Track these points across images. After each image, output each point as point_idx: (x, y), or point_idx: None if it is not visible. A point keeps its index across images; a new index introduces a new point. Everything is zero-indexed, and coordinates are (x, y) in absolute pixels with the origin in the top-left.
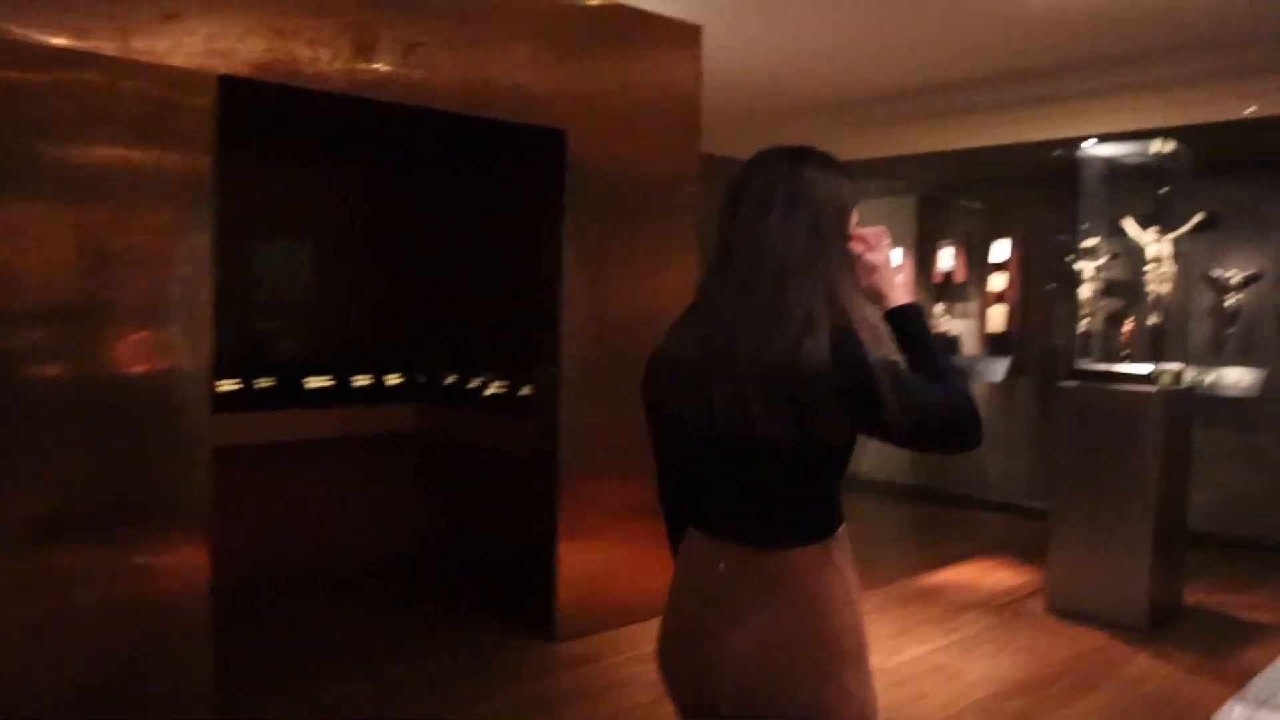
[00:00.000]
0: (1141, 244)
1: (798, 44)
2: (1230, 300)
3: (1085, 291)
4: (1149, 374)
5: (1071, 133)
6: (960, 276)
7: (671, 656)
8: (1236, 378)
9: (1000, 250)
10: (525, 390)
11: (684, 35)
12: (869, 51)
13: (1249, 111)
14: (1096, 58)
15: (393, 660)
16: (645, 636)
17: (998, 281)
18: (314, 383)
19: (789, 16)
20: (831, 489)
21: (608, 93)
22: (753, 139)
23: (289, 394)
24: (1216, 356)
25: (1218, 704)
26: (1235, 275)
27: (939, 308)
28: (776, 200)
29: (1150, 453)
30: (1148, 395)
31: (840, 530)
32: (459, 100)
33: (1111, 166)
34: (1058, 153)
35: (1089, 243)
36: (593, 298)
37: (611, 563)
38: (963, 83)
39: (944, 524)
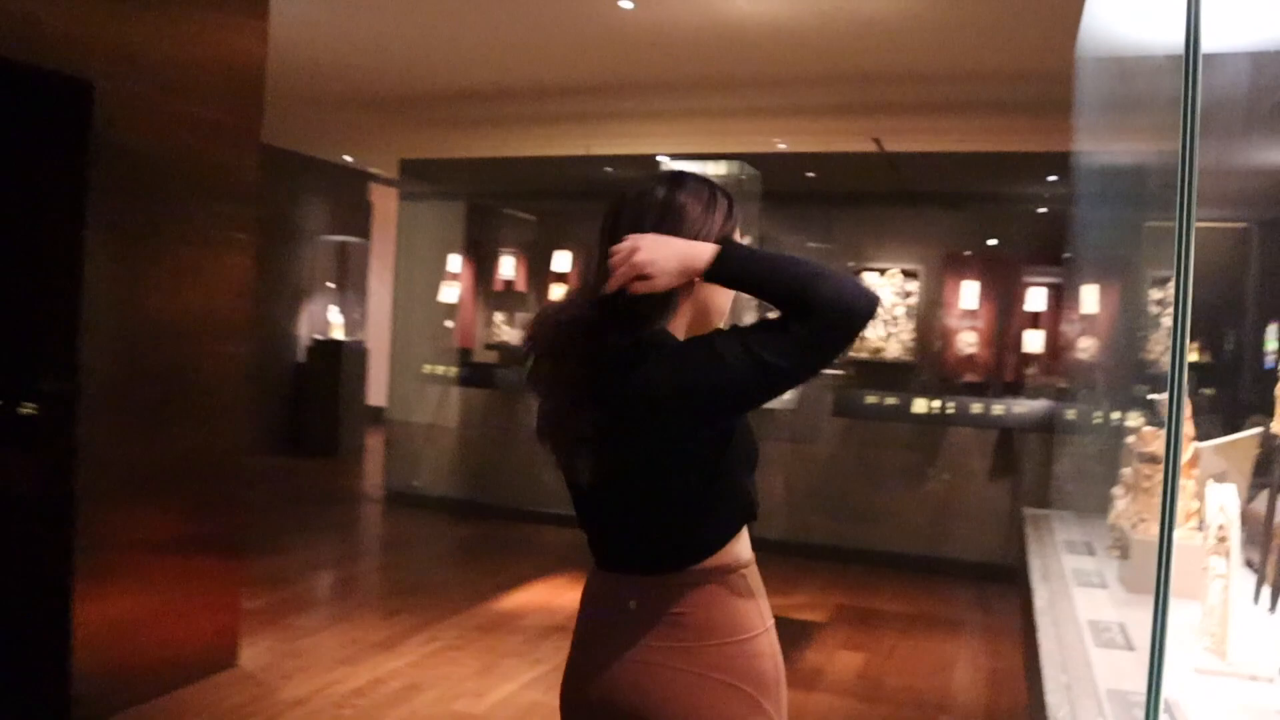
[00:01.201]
0: None
1: (372, 31)
2: None
3: None
4: None
5: (630, 150)
6: (521, 285)
7: (566, 693)
8: None
9: (562, 261)
10: (28, 409)
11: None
12: (447, 48)
13: (781, 146)
14: (667, 80)
15: None
16: (198, 704)
17: (558, 293)
18: None
19: (362, 2)
20: (712, 507)
21: (154, 48)
22: (312, 131)
23: None
24: None
25: (796, 707)
26: None
27: (499, 317)
28: (646, 224)
29: None
30: None
31: (732, 550)
32: None
33: None
34: (609, 169)
35: None
36: (124, 296)
37: (149, 613)
38: (537, 90)
39: (505, 541)
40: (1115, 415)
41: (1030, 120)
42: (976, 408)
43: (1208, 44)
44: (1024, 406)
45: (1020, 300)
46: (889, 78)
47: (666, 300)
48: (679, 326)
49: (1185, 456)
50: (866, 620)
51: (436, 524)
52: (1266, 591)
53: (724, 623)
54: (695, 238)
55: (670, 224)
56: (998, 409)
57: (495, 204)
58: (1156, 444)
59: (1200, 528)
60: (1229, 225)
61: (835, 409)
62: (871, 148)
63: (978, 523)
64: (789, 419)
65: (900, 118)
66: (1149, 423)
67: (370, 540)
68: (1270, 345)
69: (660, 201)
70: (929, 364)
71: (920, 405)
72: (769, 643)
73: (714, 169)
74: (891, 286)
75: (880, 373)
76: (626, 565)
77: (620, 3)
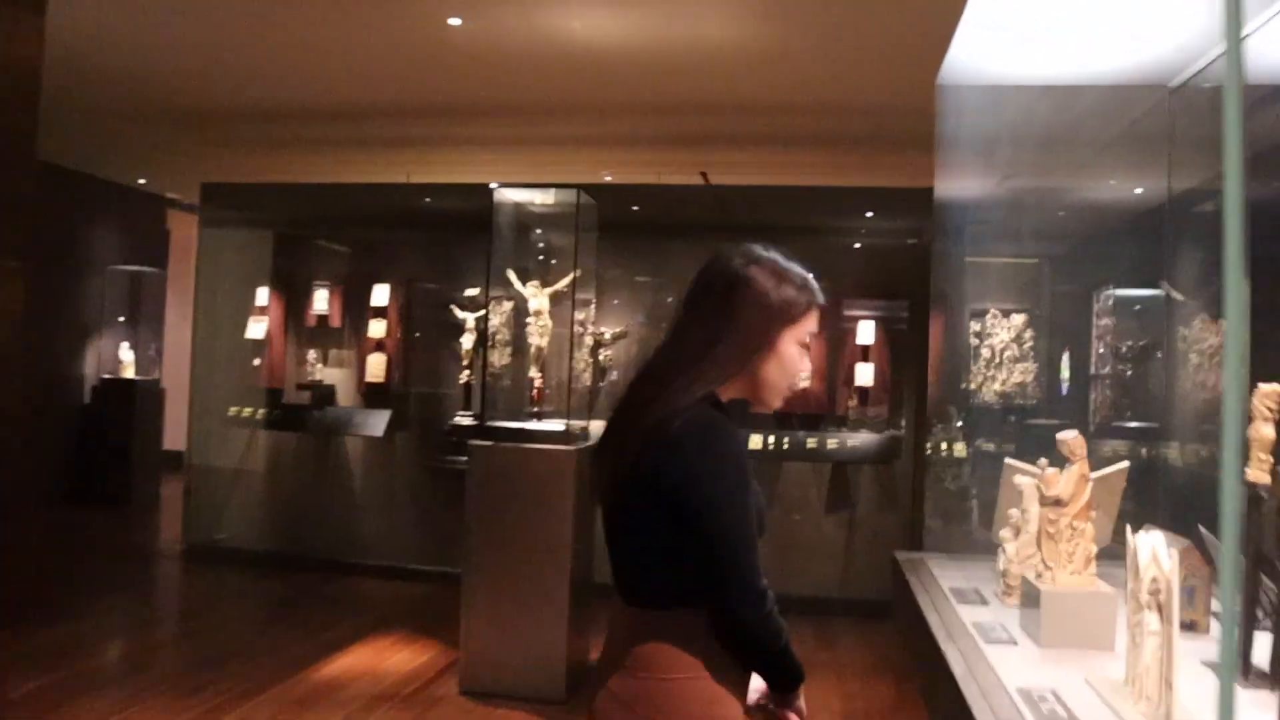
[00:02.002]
0: (524, 296)
1: (171, 38)
2: (603, 355)
3: (466, 342)
4: (565, 431)
5: (453, 178)
6: (336, 321)
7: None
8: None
9: (380, 295)
10: None
11: None
12: (256, 62)
13: (607, 178)
14: (495, 104)
15: None
16: None
17: (377, 328)
18: None
19: (159, 3)
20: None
21: None
22: (102, 149)
23: None
24: (590, 410)
25: None
26: (606, 332)
27: (312, 354)
28: (715, 292)
29: (568, 512)
30: (567, 454)
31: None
32: None
33: (507, 215)
34: (428, 199)
35: (471, 292)
36: None
37: None
38: (355, 112)
39: (322, 598)
40: (957, 447)
41: (860, 155)
42: (811, 442)
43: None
44: (858, 440)
45: (851, 334)
46: (718, 109)
47: (723, 373)
48: (727, 388)
49: (1084, 497)
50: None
51: (244, 582)
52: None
53: (672, 659)
54: (762, 311)
55: (736, 300)
56: (832, 443)
57: (308, 233)
58: (1061, 486)
59: (1087, 567)
60: (1023, 260)
61: None
62: (699, 180)
63: (818, 558)
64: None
65: (729, 150)
66: (1051, 463)
67: (168, 603)
68: (1064, 373)
69: (732, 272)
70: None
71: (755, 441)
72: (710, 688)
73: (546, 198)
74: None
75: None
76: (621, 592)
77: (448, 19)
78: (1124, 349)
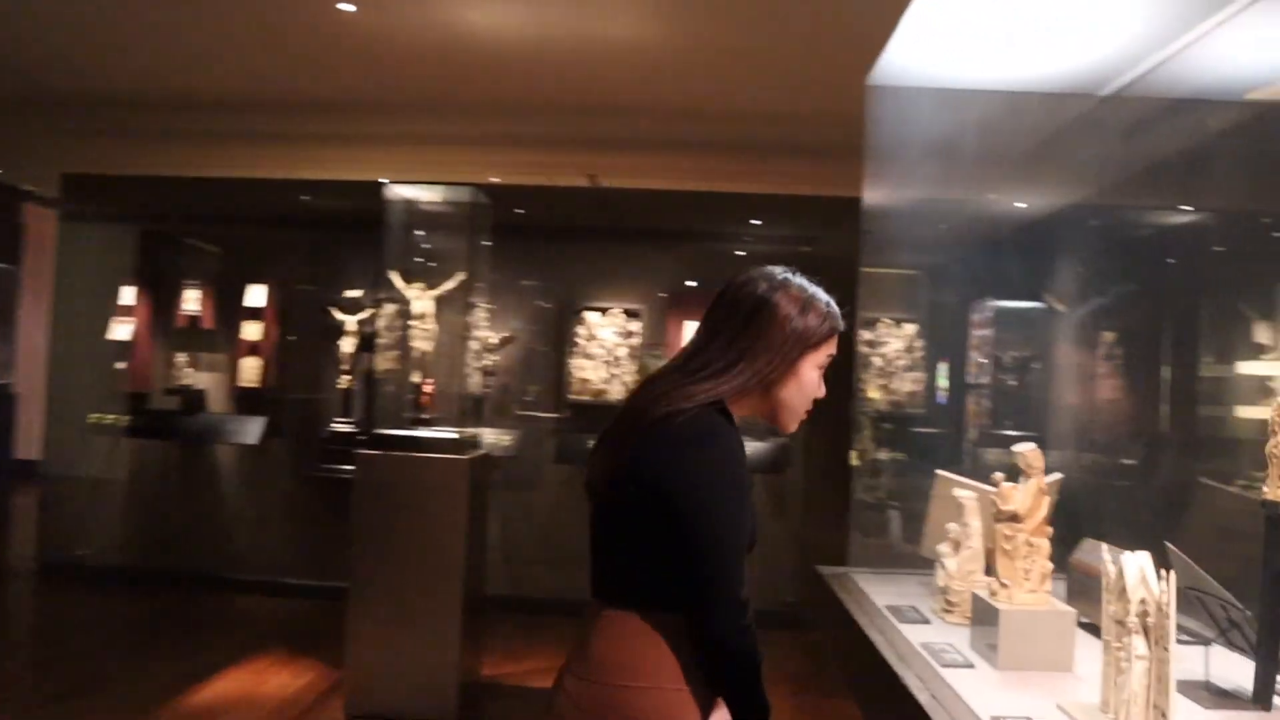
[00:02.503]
0: (407, 299)
1: (27, 15)
2: (488, 361)
3: (347, 346)
4: (457, 439)
5: (337, 175)
6: (207, 322)
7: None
8: (495, 437)
9: (256, 296)
10: None
11: None
12: (125, 45)
13: (494, 179)
14: (384, 98)
15: None
16: None
17: (252, 331)
18: None
19: None
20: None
21: None
22: None
23: None
24: (477, 417)
25: None
26: (493, 337)
27: (182, 358)
28: (739, 314)
29: (460, 522)
30: (459, 463)
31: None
32: None
33: (398, 213)
34: (305, 197)
35: (353, 294)
36: None
37: None
38: (234, 102)
39: (191, 618)
40: (876, 457)
41: (756, 161)
42: None
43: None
44: (747, 449)
45: None
46: (614, 111)
47: (742, 390)
48: (741, 405)
49: (1041, 512)
50: None
51: (107, 601)
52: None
53: (632, 663)
54: (786, 337)
55: (761, 323)
56: None
57: (178, 230)
58: (1018, 501)
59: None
60: (902, 272)
61: (558, 455)
62: (585, 183)
63: None
64: (508, 465)
65: (621, 153)
66: (1007, 477)
67: (20, 627)
68: (941, 383)
69: (757, 297)
70: None
71: None
72: (673, 699)
73: (437, 196)
74: (613, 326)
75: (603, 415)
76: (595, 590)
77: (339, 4)
78: (1006, 359)
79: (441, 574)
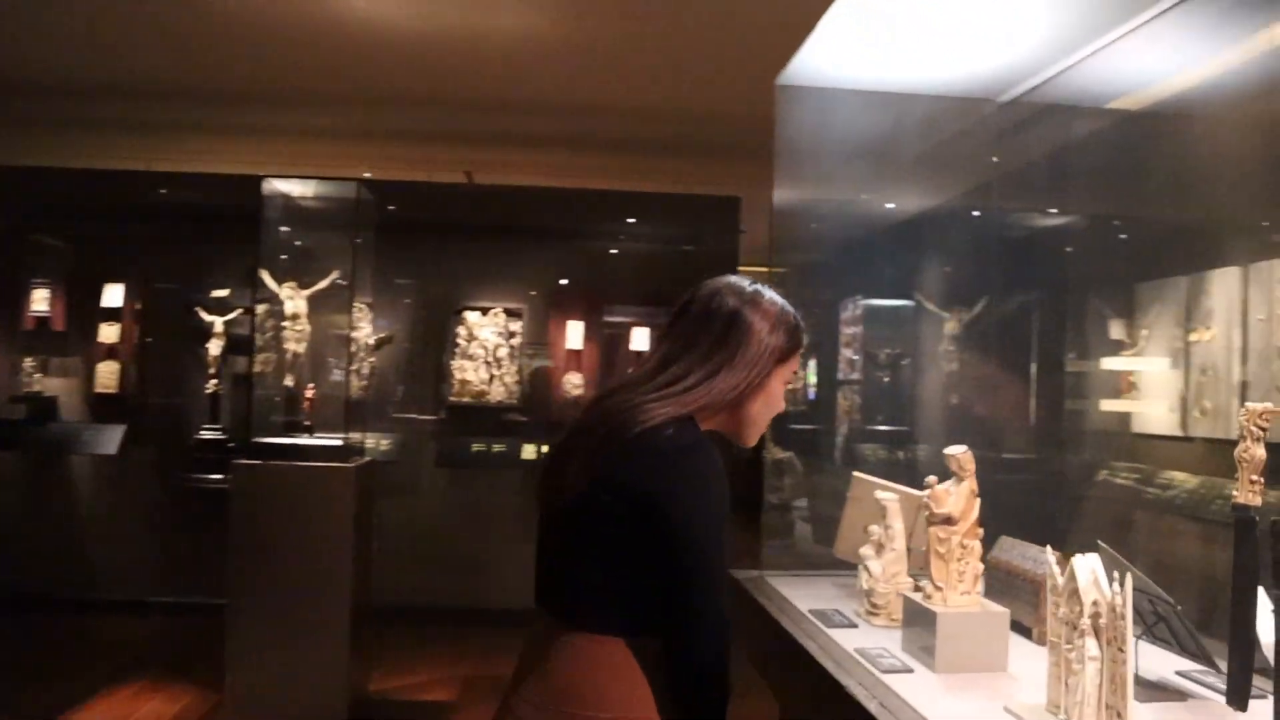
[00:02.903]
0: (281, 299)
1: None
2: (366, 362)
3: (214, 349)
4: (342, 446)
5: (203, 168)
6: (59, 324)
7: None
8: (372, 442)
9: (113, 295)
10: None
11: None
12: None
13: (366, 174)
14: (255, 86)
15: None
16: None
17: (109, 333)
18: None
19: None
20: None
21: None
22: None
23: None
24: (359, 422)
25: None
26: (370, 337)
27: (29, 362)
28: (713, 328)
29: (347, 533)
30: (345, 471)
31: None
32: None
33: (275, 209)
34: (163, 190)
35: (219, 293)
36: None
37: None
38: (87, 87)
39: (50, 642)
40: (782, 457)
41: (638, 159)
42: None
43: None
44: None
45: (626, 340)
46: (497, 106)
47: (713, 405)
48: (708, 419)
49: (974, 515)
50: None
51: None
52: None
53: (594, 694)
54: (760, 353)
55: (735, 339)
56: None
57: (24, 224)
58: (952, 504)
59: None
60: (769, 270)
61: (439, 459)
62: (462, 179)
63: None
64: (387, 471)
65: (501, 149)
66: (940, 479)
67: None
68: (811, 379)
69: (730, 312)
70: (535, 407)
71: (529, 451)
72: None
73: (310, 190)
74: (494, 326)
75: (485, 418)
76: (548, 607)
77: None
78: (881, 356)
79: (328, 586)
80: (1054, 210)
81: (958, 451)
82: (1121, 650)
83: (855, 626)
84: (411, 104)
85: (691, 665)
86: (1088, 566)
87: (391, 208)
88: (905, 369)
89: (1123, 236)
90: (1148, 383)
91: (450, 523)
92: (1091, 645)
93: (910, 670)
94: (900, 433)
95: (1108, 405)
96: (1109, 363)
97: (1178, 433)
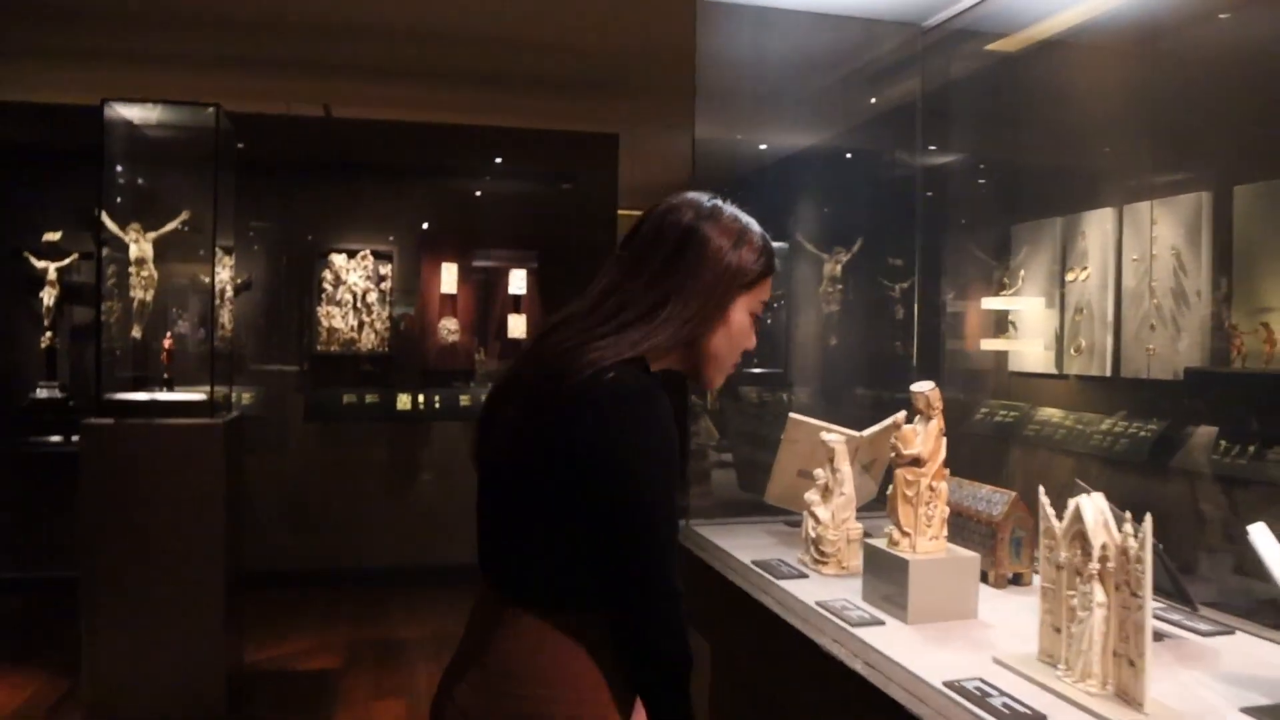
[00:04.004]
0: (125, 242)
1: None
2: (223, 310)
3: (47, 298)
4: (207, 401)
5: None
6: None
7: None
8: (233, 396)
9: None
10: None
11: None
12: None
13: (210, 110)
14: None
15: None
16: None
17: None
18: None
19: None
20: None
21: None
22: None
23: None
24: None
25: None
26: (229, 283)
27: None
28: (663, 247)
29: (217, 495)
30: (211, 428)
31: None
32: None
33: (120, 140)
34: None
35: (51, 236)
36: None
37: None
38: None
39: None
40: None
41: (510, 94)
42: (465, 400)
43: None
44: None
45: (504, 283)
46: (357, 33)
47: (667, 341)
48: (662, 358)
49: (942, 455)
50: (390, 655)
51: None
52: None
53: (544, 673)
54: (717, 274)
55: (689, 260)
56: None
57: None
58: (920, 444)
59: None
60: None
61: (307, 413)
62: (320, 113)
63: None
64: (250, 428)
65: (367, 81)
66: (908, 419)
67: None
68: None
69: (683, 228)
70: (409, 355)
71: (404, 401)
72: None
73: (173, 116)
74: (362, 270)
75: (355, 368)
76: (491, 579)
77: None
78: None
79: (198, 554)
80: (934, 148)
81: (925, 388)
82: (1136, 595)
83: (806, 577)
84: (264, 28)
85: (645, 641)
86: (1096, 508)
87: (240, 145)
88: (782, 311)
89: (1000, 177)
90: (1025, 322)
91: (321, 480)
92: (1099, 591)
93: (881, 623)
94: (775, 375)
95: (987, 344)
96: (988, 303)
97: (1053, 371)
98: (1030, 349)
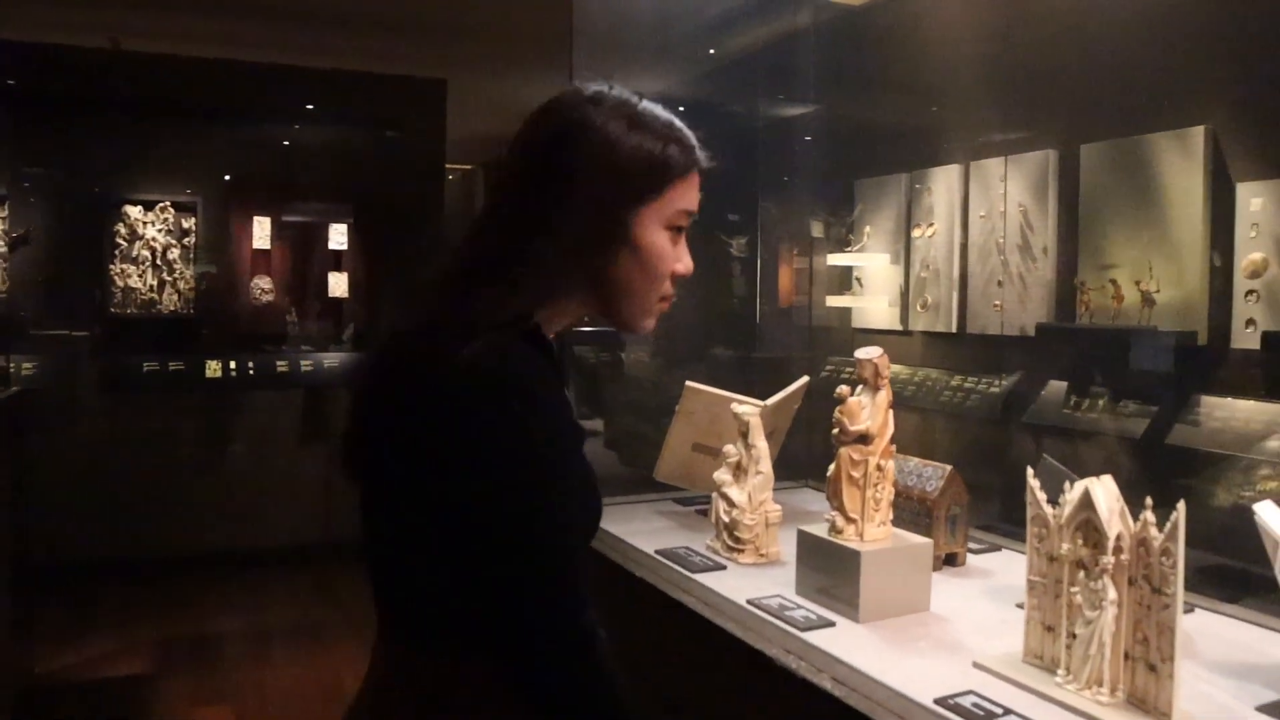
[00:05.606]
0: None
1: None
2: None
3: None
4: None
5: None
6: None
7: None
8: (11, 365)
9: None
10: None
11: None
12: None
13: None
14: None
15: None
16: None
17: None
18: None
19: None
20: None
21: None
22: None
23: None
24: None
25: None
26: (0, 239)
27: None
28: (533, 156)
29: (4, 475)
30: None
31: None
32: None
33: None
34: None
35: None
36: None
37: None
38: None
39: None
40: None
41: (325, 32)
42: (282, 365)
43: None
44: (335, 361)
45: (323, 238)
46: None
47: (551, 279)
48: (567, 309)
49: (890, 431)
50: (208, 652)
51: None
52: None
53: None
54: (608, 175)
55: (571, 152)
56: (306, 365)
57: None
58: (866, 419)
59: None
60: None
61: (104, 382)
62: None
63: (300, 500)
64: (34, 403)
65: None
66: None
67: None
68: None
69: (562, 119)
70: (218, 317)
71: (213, 368)
72: None
73: None
74: (162, 224)
75: (156, 332)
76: (379, 618)
77: None
78: None
79: None
80: (782, 98)
81: (873, 355)
82: (1160, 592)
83: (723, 568)
84: None
85: (534, 692)
86: (1110, 493)
87: (11, 82)
88: None
89: (845, 132)
90: (870, 278)
91: (119, 458)
92: (1110, 588)
93: (831, 623)
94: (608, 333)
95: (832, 301)
96: (833, 259)
97: (898, 327)
98: (875, 305)
